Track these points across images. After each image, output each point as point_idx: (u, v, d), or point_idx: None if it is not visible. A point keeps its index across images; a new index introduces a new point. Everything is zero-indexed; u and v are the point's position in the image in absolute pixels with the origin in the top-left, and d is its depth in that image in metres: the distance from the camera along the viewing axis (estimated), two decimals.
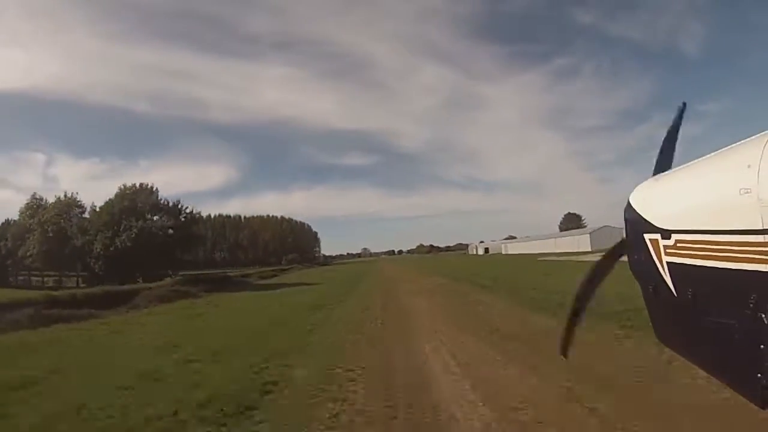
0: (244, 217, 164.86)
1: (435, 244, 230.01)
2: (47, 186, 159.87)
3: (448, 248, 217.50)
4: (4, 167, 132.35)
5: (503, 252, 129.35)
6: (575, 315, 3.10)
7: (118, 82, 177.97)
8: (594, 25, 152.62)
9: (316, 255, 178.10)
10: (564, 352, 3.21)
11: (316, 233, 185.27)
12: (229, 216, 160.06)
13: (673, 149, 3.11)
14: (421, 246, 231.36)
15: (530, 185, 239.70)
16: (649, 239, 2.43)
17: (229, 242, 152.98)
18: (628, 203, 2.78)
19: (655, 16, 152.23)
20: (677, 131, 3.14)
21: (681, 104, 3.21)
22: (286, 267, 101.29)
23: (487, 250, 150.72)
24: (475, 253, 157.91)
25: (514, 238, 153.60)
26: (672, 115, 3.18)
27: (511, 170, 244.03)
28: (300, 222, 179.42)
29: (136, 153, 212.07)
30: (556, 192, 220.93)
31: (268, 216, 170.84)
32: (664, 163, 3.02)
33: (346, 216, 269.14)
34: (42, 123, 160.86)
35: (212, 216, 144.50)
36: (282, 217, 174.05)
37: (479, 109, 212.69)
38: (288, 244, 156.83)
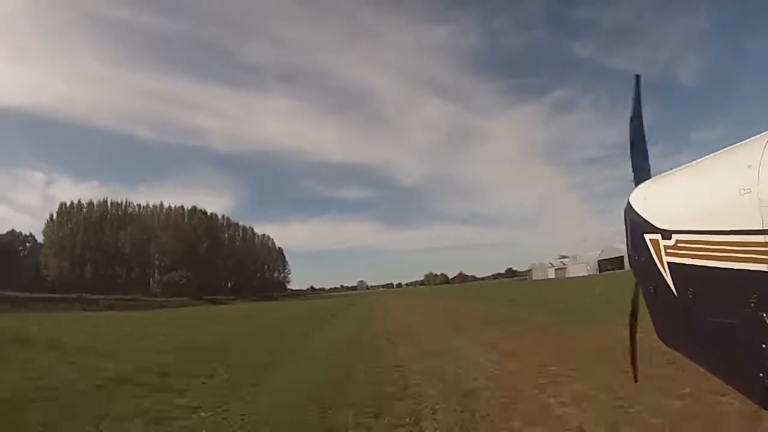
0: (138, 207, 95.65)
1: (446, 273, 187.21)
2: (46, 206, 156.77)
3: (455, 278, 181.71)
4: (2, 184, 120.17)
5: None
6: (632, 346, 3.30)
7: (121, 107, 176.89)
8: (592, 59, 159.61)
9: (277, 281, 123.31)
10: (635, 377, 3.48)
11: (280, 250, 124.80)
12: (116, 203, 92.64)
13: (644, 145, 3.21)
14: (432, 276, 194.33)
15: (530, 218, 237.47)
16: (650, 240, 2.45)
17: (104, 247, 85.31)
18: (629, 204, 2.80)
19: (653, 49, 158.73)
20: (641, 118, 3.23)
21: (635, 77, 3.29)
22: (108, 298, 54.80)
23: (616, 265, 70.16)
24: (548, 276, 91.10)
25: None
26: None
27: (510, 203, 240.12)
28: (242, 227, 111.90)
29: (135, 179, 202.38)
30: (555, 224, 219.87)
31: (175, 208, 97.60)
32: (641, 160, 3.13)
33: (343, 249, 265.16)
34: (44, 142, 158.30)
35: (82, 204, 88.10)
36: (196, 210, 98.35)
37: (478, 142, 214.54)
38: (198, 256, 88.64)
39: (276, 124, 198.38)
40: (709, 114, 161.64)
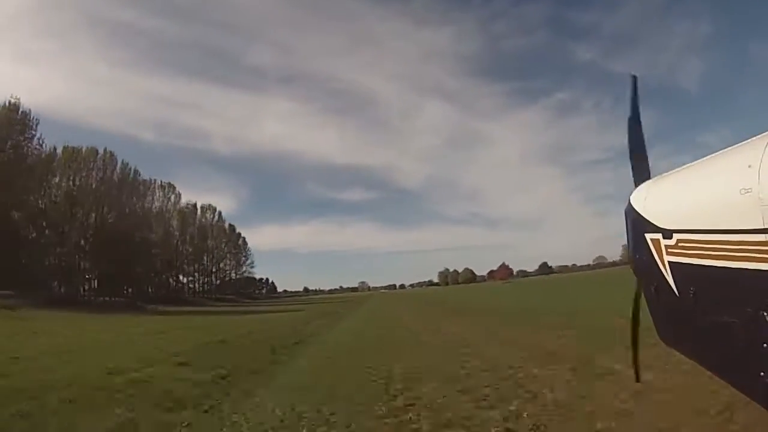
0: None
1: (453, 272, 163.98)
2: None
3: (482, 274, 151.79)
4: None
5: None
6: (634, 346, 3.28)
7: (123, 109, 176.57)
8: (594, 62, 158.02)
9: (222, 273, 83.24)
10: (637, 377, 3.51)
11: (231, 228, 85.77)
12: None
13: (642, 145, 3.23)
14: (452, 273, 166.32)
15: (531, 220, 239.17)
16: (651, 239, 2.46)
17: None
18: (629, 203, 2.80)
19: (655, 54, 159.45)
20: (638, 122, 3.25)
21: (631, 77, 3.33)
22: None
23: None
24: None
25: None
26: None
27: (511, 205, 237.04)
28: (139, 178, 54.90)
29: None
30: (556, 226, 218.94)
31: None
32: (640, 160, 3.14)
33: (344, 250, 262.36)
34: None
35: None
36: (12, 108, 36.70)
37: (480, 145, 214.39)
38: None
39: (278, 126, 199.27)
40: (712, 117, 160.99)
